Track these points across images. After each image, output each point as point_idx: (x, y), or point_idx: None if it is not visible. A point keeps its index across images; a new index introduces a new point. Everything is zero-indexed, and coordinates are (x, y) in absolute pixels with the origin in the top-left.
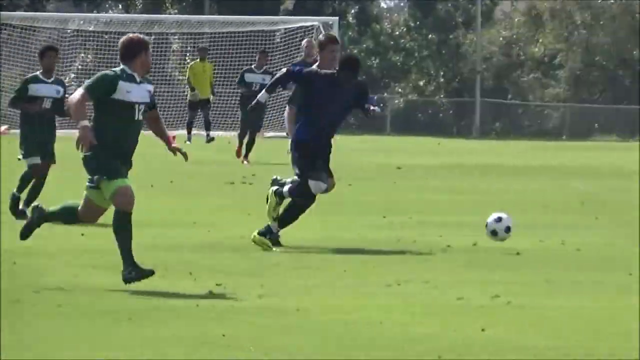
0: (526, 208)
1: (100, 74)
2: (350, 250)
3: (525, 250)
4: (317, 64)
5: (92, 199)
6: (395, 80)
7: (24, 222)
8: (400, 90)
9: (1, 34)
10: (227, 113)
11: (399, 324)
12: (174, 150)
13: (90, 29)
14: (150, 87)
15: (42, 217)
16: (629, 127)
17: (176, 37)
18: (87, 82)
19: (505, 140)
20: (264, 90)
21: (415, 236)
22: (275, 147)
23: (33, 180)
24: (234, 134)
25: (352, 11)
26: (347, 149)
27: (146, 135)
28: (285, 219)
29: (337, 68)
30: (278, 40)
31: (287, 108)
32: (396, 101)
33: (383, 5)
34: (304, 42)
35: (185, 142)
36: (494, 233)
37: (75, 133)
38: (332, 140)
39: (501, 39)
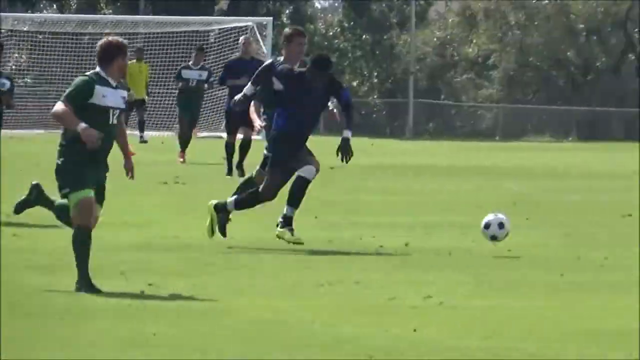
0: (459, 209)
1: (78, 80)
2: (282, 251)
3: (458, 250)
4: (282, 57)
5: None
6: None
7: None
8: None
9: None
10: (161, 113)
11: (330, 324)
12: (128, 170)
13: (25, 29)
14: (125, 94)
15: (39, 198)
16: (563, 128)
17: (110, 37)
18: (66, 91)
19: (439, 141)
20: (249, 84)
21: (348, 236)
22: (209, 147)
23: None
24: (167, 134)
25: (287, 11)
26: None
27: None
28: (243, 203)
29: (307, 65)
30: (212, 40)
31: (252, 102)
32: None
33: (317, 5)
34: (241, 39)
35: None
36: (493, 238)
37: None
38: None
39: (435, 39)
